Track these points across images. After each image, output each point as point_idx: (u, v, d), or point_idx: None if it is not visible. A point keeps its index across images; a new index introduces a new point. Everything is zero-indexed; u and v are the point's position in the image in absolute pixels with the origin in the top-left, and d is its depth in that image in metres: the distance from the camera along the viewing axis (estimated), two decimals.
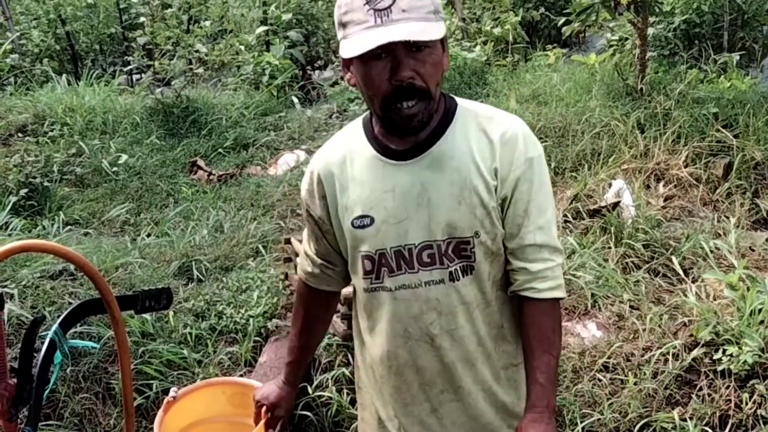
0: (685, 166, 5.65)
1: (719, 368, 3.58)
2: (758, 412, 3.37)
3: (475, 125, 1.96)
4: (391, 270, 1.98)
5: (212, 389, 2.54)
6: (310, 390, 3.61)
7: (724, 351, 3.61)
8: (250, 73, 8.26)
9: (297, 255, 4.26)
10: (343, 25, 1.81)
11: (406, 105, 1.82)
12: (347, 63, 1.90)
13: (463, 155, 1.93)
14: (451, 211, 1.93)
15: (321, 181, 2.03)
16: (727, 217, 5.14)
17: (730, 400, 3.47)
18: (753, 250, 4.76)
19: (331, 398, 3.54)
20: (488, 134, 1.95)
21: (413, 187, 1.93)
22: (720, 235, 4.87)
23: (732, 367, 3.53)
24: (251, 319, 4.07)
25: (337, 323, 3.80)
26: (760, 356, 3.51)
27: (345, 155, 2.01)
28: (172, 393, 2.43)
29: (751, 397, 3.42)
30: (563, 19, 8.39)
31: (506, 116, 2.00)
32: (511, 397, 2.09)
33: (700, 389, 3.58)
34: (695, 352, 3.64)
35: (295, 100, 8.02)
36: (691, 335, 3.77)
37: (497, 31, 8.78)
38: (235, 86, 8.11)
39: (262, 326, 4.07)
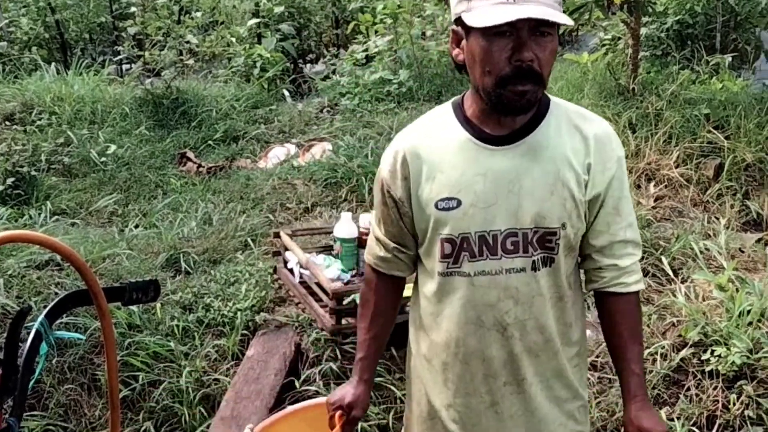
0: (676, 167, 5.65)
1: (707, 369, 3.58)
2: (745, 413, 3.38)
3: (567, 120, 2.01)
4: (472, 255, 1.98)
5: (290, 420, 2.49)
6: (297, 384, 3.59)
7: (712, 352, 3.62)
8: (241, 65, 8.22)
9: (286, 249, 4.25)
10: None
11: (522, 84, 1.84)
12: (458, 38, 1.92)
13: (557, 147, 1.97)
14: (542, 200, 1.95)
15: (406, 161, 2.03)
16: (717, 218, 5.14)
17: (717, 401, 3.48)
18: (743, 252, 4.77)
19: (318, 393, 3.51)
20: (582, 131, 2.00)
21: (507, 173, 1.95)
22: (710, 236, 4.88)
23: (720, 367, 3.54)
24: (239, 313, 4.05)
25: (325, 318, 3.79)
26: (748, 357, 3.53)
27: (433, 136, 2.03)
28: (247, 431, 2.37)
29: (738, 398, 3.44)
30: None
31: (596, 116, 2.06)
32: (567, 394, 2.10)
33: (688, 389, 3.58)
34: (683, 353, 3.65)
35: (286, 93, 7.99)
36: (680, 335, 3.78)
37: None
38: (225, 78, 8.07)
39: (250, 320, 4.04)
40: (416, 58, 7.50)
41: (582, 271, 2.12)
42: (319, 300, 3.96)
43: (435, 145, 2.01)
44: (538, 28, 1.80)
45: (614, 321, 2.06)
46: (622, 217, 2.03)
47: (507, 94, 1.85)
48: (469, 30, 1.85)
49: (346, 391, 2.25)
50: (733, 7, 8.19)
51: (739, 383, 3.48)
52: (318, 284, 3.96)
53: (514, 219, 1.95)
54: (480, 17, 1.79)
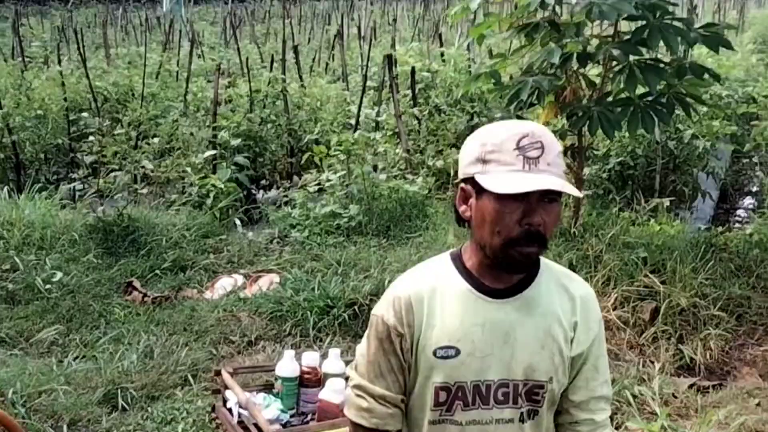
0: (614, 309, 5.79)
1: None
2: None
3: (556, 280, 2.12)
4: (465, 404, 2.03)
5: None
6: None
7: None
8: (194, 194, 8.32)
9: (226, 387, 4.23)
10: (485, 161, 1.94)
11: (528, 245, 1.95)
12: (466, 196, 2.02)
13: (549, 304, 2.07)
14: (533, 353, 2.03)
15: (411, 308, 2.05)
16: (653, 362, 5.25)
17: None
18: (676, 397, 4.86)
19: None
20: (569, 290, 2.12)
21: (502, 325, 2.03)
22: (644, 380, 4.97)
23: None
24: None
25: None
26: None
27: (435, 285, 2.06)
28: None
29: None
30: None
31: (579, 277, 2.20)
32: None
33: None
34: None
35: (238, 222, 8.08)
36: None
37: (440, 163, 9.01)
38: (178, 207, 8.15)
39: None
40: (367, 192, 7.67)
41: (555, 425, 2.19)
42: None
43: (435, 293, 2.05)
44: (547, 195, 1.93)
45: None
46: (600, 374, 2.14)
47: (514, 254, 1.95)
48: (481, 191, 1.96)
49: None
50: (672, 150, 8.55)
51: None
52: (256, 425, 3.93)
53: (507, 370, 2.03)
54: (498, 183, 1.90)
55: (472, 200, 2.01)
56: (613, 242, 6.42)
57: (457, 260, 2.11)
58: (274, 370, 4.21)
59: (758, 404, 4.85)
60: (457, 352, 2.01)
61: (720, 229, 7.67)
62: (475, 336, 2.02)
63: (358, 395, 2.08)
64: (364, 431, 2.10)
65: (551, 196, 1.94)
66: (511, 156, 1.92)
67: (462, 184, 2.05)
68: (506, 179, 1.90)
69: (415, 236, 7.14)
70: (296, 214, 7.73)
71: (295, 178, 9.74)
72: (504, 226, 1.93)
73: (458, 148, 9.29)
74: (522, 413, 2.06)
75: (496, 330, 2.03)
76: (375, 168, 8.51)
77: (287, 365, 4.11)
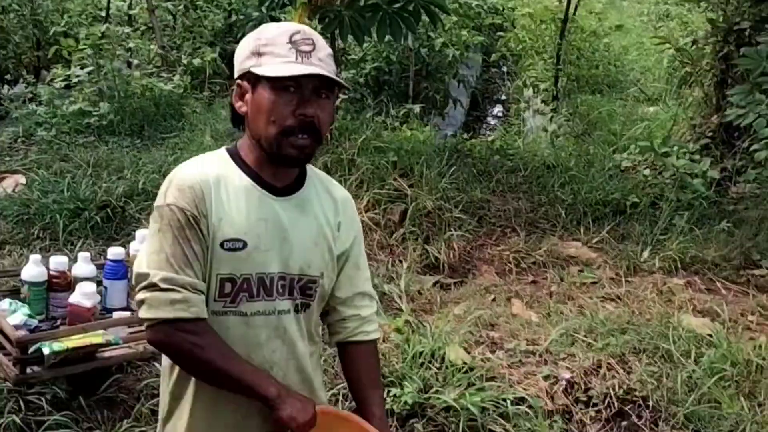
0: (366, 211, 6.01)
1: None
2: None
3: (320, 182, 2.23)
4: (251, 295, 2.06)
5: None
6: None
7: (388, 392, 3.88)
8: None
9: None
10: (259, 54, 2.01)
11: (302, 136, 2.00)
12: (242, 92, 2.06)
13: (318, 205, 2.18)
14: (308, 250, 2.12)
15: (202, 196, 2.00)
16: (401, 261, 5.54)
17: None
18: (421, 294, 5.18)
19: None
20: (332, 193, 2.23)
21: (282, 222, 2.09)
22: (393, 278, 5.24)
23: (395, 407, 3.81)
24: None
25: (9, 367, 3.63)
26: (419, 397, 3.83)
27: (218, 176, 2.05)
28: None
29: None
30: None
31: (337, 183, 2.32)
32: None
33: None
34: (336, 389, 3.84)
35: None
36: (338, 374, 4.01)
37: (197, 62, 8.79)
38: None
39: None
40: (118, 90, 7.37)
41: (326, 326, 2.32)
42: (2, 348, 3.77)
43: (220, 185, 2.04)
44: (320, 90, 2.02)
45: (356, 369, 2.26)
46: (362, 271, 2.29)
47: (287, 146, 2.01)
48: (256, 83, 2.02)
49: (296, 408, 2.03)
50: (425, 57, 8.86)
51: (411, 421, 3.77)
52: (1, 331, 3.79)
53: (285, 265, 2.09)
54: (271, 69, 1.98)
55: (248, 95, 2.05)
56: (365, 146, 6.62)
57: (236, 156, 2.13)
58: (19, 274, 4.06)
59: (493, 299, 5.28)
60: (244, 245, 2.04)
61: (465, 136, 8.14)
62: (260, 230, 2.06)
63: (167, 288, 1.95)
64: (181, 327, 1.98)
65: (324, 92, 2.03)
66: (284, 49, 2.00)
67: (239, 81, 2.08)
68: (280, 68, 1.98)
69: (171, 137, 6.99)
70: (42, 112, 7.29)
71: (43, 72, 9.18)
72: (279, 115, 1.99)
73: (215, 46, 9.15)
74: (297, 305, 2.14)
75: (278, 226, 2.08)
76: (129, 65, 8.18)
77: (33, 269, 3.97)
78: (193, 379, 2.09)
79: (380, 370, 2.38)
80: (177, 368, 2.10)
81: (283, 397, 2.02)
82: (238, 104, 2.09)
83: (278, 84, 1.98)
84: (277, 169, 2.10)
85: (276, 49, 2.00)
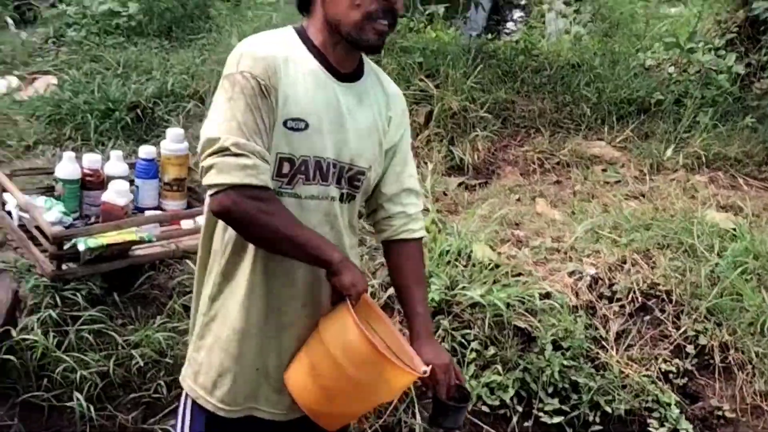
0: None
1: None
2: (442, 345, 3.76)
3: (375, 74, 2.24)
4: (307, 178, 2.08)
5: None
6: (14, 333, 3.52)
7: None
8: None
9: (4, 190, 4.03)
10: None
11: (383, 22, 2.03)
12: None
13: (374, 96, 2.19)
14: (361, 140, 2.14)
15: (273, 69, 2.02)
16: (426, 163, 5.55)
17: None
18: (446, 195, 5.21)
19: (36, 341, 3.46)
20: (383, 86, 2.24)
21: (342, 107, 2.10)
22: (418, 179, 5.24)
23: None
24: None
25: (45, 263, 3.70)
26: (445, 294, 3.90)
27: (287, 54, 2.07)
28: None
29: (436, 332, 3.79)
30: None
31: (387, 76, 2.30)
32: None
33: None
34: (390, 291, 3.89)
35: (9, 20, 7.44)
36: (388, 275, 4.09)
37: None
38: None
39: None
40: None
41: (372, 224, 2.36)
42: (39, 245, 3.84)
43: (288, 63, 2.05)
44: None
45: (402, 266, 2.30)
46: (408, 167, 2.31)
47: (369, 31, 2.02)
48: None
49: (356, 277, 2.09)
50: None
51: (437, 318, 3.84)
52: (38, 228, 3.84)
53: (338, 152, 2.11)
54: None
55: None
56: (390, 47, 6.54)
57: (304, 36, 2.13)
58: (54, 172, 4.10)
59: (518, 199, 5.31)
60: (306, 125, 2.05)
61: (490, 36, 8.01)
62: (321, 113, 2.07)
63: (239, 154, 1.94)
64: (249, 193, 1.96)
65: None
66: None
67: None
68: None
69: (198, 38, 6.92)
70: (72, 12, 7.20)
71: None
72: (363, 1, 2.01)
73: None
74: (343, 194, 2.17)
75: (338, 111, 2.11)
76: None
77: (67, 167, 4.01)
78: (246, 257, 2.11)
79: (424, 268, 2.39)
80: (230, 247, 2.13)
81: (345, 263, 2.07)
82: None
83: None
84: (346, 55, 2.11)
85: None
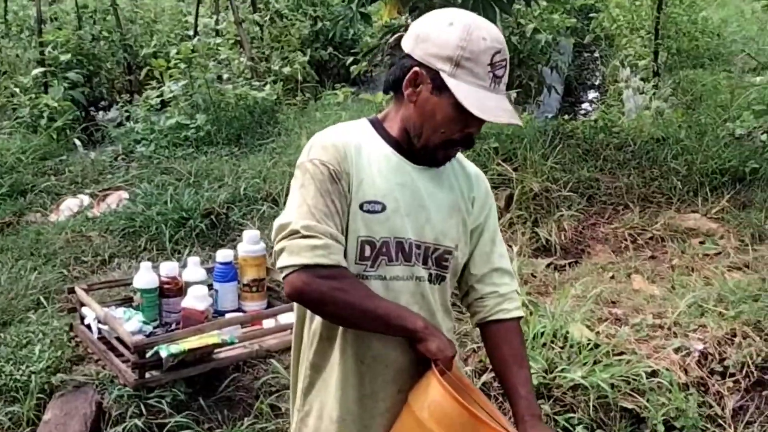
0: None
1: None
2: None
3: (456, 158, 2.19)
4: (390, 259, 2.05)
5: None
6: None
7: None
8: (26, 116, 7.82)
9: (82, 305, 4.06)
10: (458, 64, 1.94)
11: (457, 149, 2.08)
12: (419, 83, 2.00)
13: (454, 178, 2.17)
14: (443, 220, 2.11)
15: (345, 155, 2.02)
16: (511, 246, 5.36)
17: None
18: (535, 276, 5.00)
19: None
20: (465, 168, 2.23)
21: (420, 189, 2.09)
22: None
23: None
24: (33, 375, 3.80)
25: (127, 373, 3.66)
26: (544, 377, 3.68)
27: (360, 141, 2.07)
28: None
29: None
30: (351, 59, 8.58)
31: (468, 160, 2.29)
32: None
33: None
34: (485, 377, 3.73)
35: (78, 142, 7.66)
36: (481, 361, 3.88)
37: (286, 70, 8.87)
38: (10, 130, 7.64)
39: (46, 382, 3.80)
40: (213, 101, 7.44)
41: (465, 308, 2.28)
42: (120, 355, 3.80)
43: (361, 149, 2.06)
44: None
45: (498, 347, 2.20)
46: (497, 246, 2.24)
47: (441, 154, 2.06)
48: (441, 88, 1.96)
49: (444, 343, 2.03)
50: (516, 45, 8.67)
51: (537, 402, 3.61)
52: (118, 339, 3.81)
53: (421, 232, 2.08)
54: (468, 98, 1.92)
55: (425, 91, 2.00)
56: None
57: (378, 125, 2.13)
58: (131, 283, 4.09)
59: (612, 277, 5.05)
60: (383, 207, 2.03)
61: (566, 117, 7.90)
62: (398, 194, 2.05)
63: (307, 236, 1.94)
64: (321, 273, 1.94)
65: None
66: (483, 70, 1.95)
67: (417, 68, 2.00)
68: (475, 95, 1.93)
69: (268, 142, 7.00)
70: (140, 129, 7.41)
71: (135, 96, 9.36)
72: (450, 130, 2.01)
73: (303, 53, 9.17)
74: (431, 275, 2.11)
75: (415, 193, 2.07)
76: (220, 78, 8.26)
77: (145, 276, 4.01)
78: (336, 347, 2.08)
79: (525, 349, 2.27)
80: (317, 337, 2.10)
81: (431, 329, 2.02)
82: (408, 90, 2.04)
83: (462, 107, 1.94)
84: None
85: (476, 68, 1.95)
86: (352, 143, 2.04)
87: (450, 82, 1.94)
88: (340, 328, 2.06)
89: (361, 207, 2.01)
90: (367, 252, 2.03)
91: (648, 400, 3.63)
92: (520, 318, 2.24)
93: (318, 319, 2.08)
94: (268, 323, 4.07)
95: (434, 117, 2.00)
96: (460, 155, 2.23)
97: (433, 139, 2.02)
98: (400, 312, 2.02)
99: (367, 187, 2.02)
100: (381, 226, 2.03)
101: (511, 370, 2.16)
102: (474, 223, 2.19)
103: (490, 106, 1.94)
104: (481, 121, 1.99)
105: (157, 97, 7.98)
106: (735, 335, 4.06)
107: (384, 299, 2.02)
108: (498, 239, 2.25)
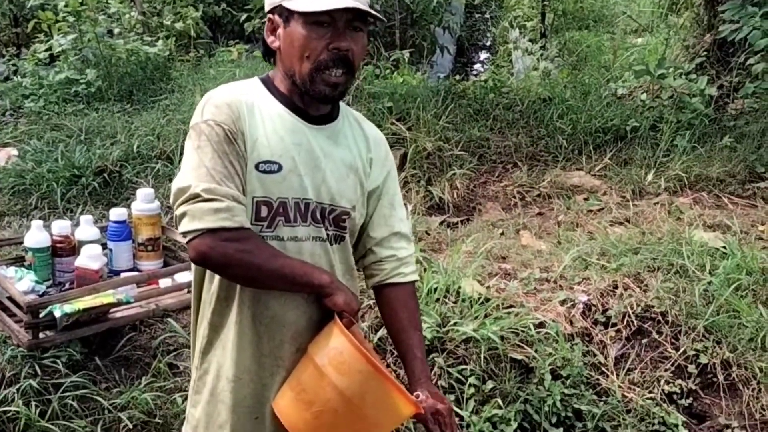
0: None
1: None
2: (438, 383, 3.64)
3: (353, 118, 2.22)
4: (287, 220, 2.03)
5: None
6: None
7: None
8: None
9: None
10: None
11: (335, 72, 1.99)
12: (274, 27, 2.03)
13: (351, 137, 2.16)
14: (339, 181, 2.10)
15: (238, 114, 1.98)
16: (406, 205, 5.46)
17: None
18: (429, 234, 5.13)
19: (18, 413, 3.33)
20: (364, 129, 2.21)
21: (316, 150, 2.06)
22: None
23: None
24: None
25: (20, 333, 3.59)
26: (437, 331, 3.80)
27: (253, 100, 2.04)
28: None
29: (431, 370, 3.67)
30: (245, 15, 8.49)
31: (368, 121, 2.28)
32: None
33: (386, 366, 3.79)
34: (380, 333, 3.81)
35: None
36: (377, 317, 3.98)
37: (179, 25, 8.68)
38: None
39: None
40: (103, 56, 7.25)
41: (362, 269, 2.28)
42: (12, 315, 3.73)
43: (254, 108, 2.03)
44: (353, 23, 1.98)
45: (395, 311, 2.22)
46: (397, 211, 2.25)
47: (321, 83, 1.99)
48: (289, 18, 1.98)
49: (349, 297, 2.04)
50: (409, 5, 8.74)
51: (431, 356, 3.73)
52: (10, 299, 3.74)
53: (317, 193, 2.07)
54: (304, 4, 1.93)
55: (281, 30, 2.02)
56: (358, 94, 6.54)
57: (269, 84, 2.11)
58: (22, 242, 4.01)
59: (502, 233, 5.23)
60: (279, 167, 2.01)
61: (458, 78, 8.04)
62: (294, 154, 2.03)
63: (209, 199, 1.91)
64: (225, 236, 1.92)
65: (357, 24, 1.99)
66: None
67: (270, 15, 2.05)
68: (314, 2, 1.93)
69: (161, 99, 6.89)
70: (28, 84, 7.17)
71: (23, 50, 9.03)
72: (312, 50, 1.98)
73: (196, 8, 9.02)
74: (329, 235, 2.11)
75: (311, 153, 2.06)
76: (110, 33, 8.05)
77: (36, 235, 3.92)
78: (233, 307, 2.06)
79: (419, 312, 2.31)
80: (215, 298, 2.08)
81: (336, 284, 2.03)
82: (270, 39, 2.07)
83: (311, 18, 1.95)
84: (311, 103, 2.08)
85: None
86: (245, 102, 2.02)
87: (289, 4, 1.97)
88: (238, 288, 2.04)
89: (257, 167, 1.99)
90: (264, 212, 2.01)
91: (536, 351, 3.79)
92: (415, 282, 2.28)
93: (216, 279, 2.06)
94: (164, 282, 4.03)
95: (294, 45, 1.99)
96: (361, 118, 2.24)
97: (304, 69, 1.99)
98: (305, 269, 2.01)
99: (262, 147, 2.00)
100: (277, 187, 2.01)
101: (407, 333, 2.21)
102: (372, 185, 2.18)
103: (328, 3, 1.92)
104: (337, 32, 1.96)
105: (46, 51, 7.73)
106: (617, 287, 4.28)
107: (289, 258, 2.01)
108: (398, 203, 2.26)
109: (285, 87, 2.08)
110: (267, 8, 2.06)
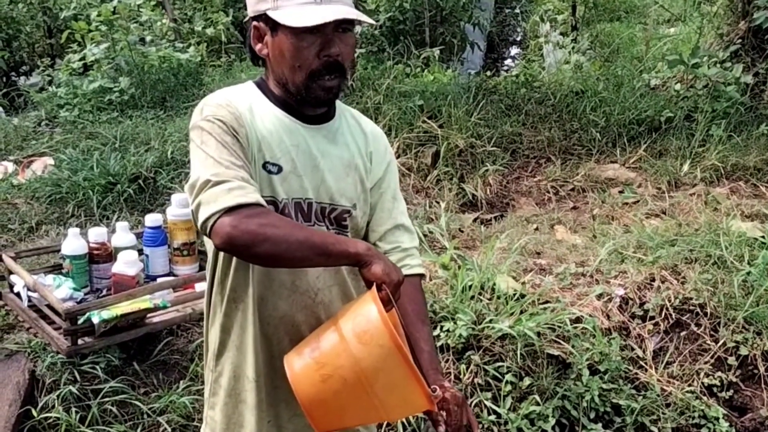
0: (398, 157, 5.94)
1: (438, 344, 3.81)
2: (475, 380, 3.63)
3: (350, 115, 2.21)
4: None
5: None
6: (34, 413, 3.42)
7: (441, 327, 3.85)
8: None
9: (11, 272, 4.02)
10: None
11: (329, 77, 1.98)
12: (260, 34, 2.02)
13: (349, 135, 2.15)
14: (339, 180, 2.09)
15: (239, 114, 1.98)
16: (438, 202, 5.47)
17: (449, 373, 3.71)
18: (462, 231, 5.11)
19: (58, 419, 3.37)
20: (361, 125, 2.21)
21: (313, 150, 2.06)
22: (432, 219, 5.18)
23: (449, 341, 3.77)
24: None
25: (60, 340, 3.64)
26: (473, 329, 3.79)
27: (250, 103, 2.04)
28: None
29: (468, 368, 3.68)
30: None
31: (365, 117, 2.28)
32: None
33: None
34: None
35: None
36: None
37: (210, 31, 8.75)
38: None
39: None
40: (136, 64, 7.33)
41: None
42: (51, 323, 3.78)
43: (252, 110, 2.02)
44: (341, 25, 1.96)
45: (401, 304, 2.10)
46: (399, 204, 2.23)
47: (316, 89, 1.98)
48: (275, 27, 1.96)
49: (389, 266, 1.91)
50: (438, 2, 8.71)
51: (467, 354, 3.73)
52: (49, 306, 3.79)
53: (316, 192, 2.06)
54: (291, 17, 1.91)
55: (268, 37, 2.00)
56: (389, 93, 6.54)
57: (264, 87, 2.10)
58: (59, 250, 4.05)
59: (536, 228, 5.20)
60: (280, 169, 2.01)
61: (489, 74, 8.01)
62: (293, 155, 2.03)
63: (219, 182, 1.85)
64: (245, 213, 1.82)
65: (345, 26, 1.97)
66: None
67: (255, 22, 2.02)
68: (298, 12, 1.90)
69: (193, 104, 6.92)
70: (63, 93, 7.25)
71: (57, 60, 9.15)
72: (304, 60, 1.96)
73: (226, 13, 9.08)
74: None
75: (309, 153, 2.06)
76: (142, 41, 8.13)
77: (73, 243, 3.96)
78: (243, 309, 2.06)
79: (427, 306, 2.27)
80: (225, 302, 2.08)
81: (374, 251, 1.92)
82: (258, 46, 2.05)
83: (299, 29, 1.92)
84: (305, 107, 2.07)
85: None
86: (242, 104, 2.01)
87: (275, 15, 1.93)
88: (249, 291, 2.03)
89: (263, 167, 1.99)
90: None
91: (573, 346, 3.78)
92: (422, 275, 2.23)
93: (227, 281, 2.05)
94: (200, 286, 4.05)
95: (284, 56, 1.97)
96: (358, 115, 2.24)
97: (297, 78, 1.98)
98: (338, 237, 1.95)
99: (265, 147, 2.00)
100: (279, 188, 2.01)
101: (416, 326, 2.14)
102: (373, 179, 2.17)
103: (311, 16, 1.89)
104: (327, 38, 1.94)
105: (79, 60, 7.80)
106: (654, 280, 4.24)
107: (315, 230, 1.97)
108: (398, 196, 2.24)
109: (279, 91, 2.07)
110: (251, 14, 2.03)
